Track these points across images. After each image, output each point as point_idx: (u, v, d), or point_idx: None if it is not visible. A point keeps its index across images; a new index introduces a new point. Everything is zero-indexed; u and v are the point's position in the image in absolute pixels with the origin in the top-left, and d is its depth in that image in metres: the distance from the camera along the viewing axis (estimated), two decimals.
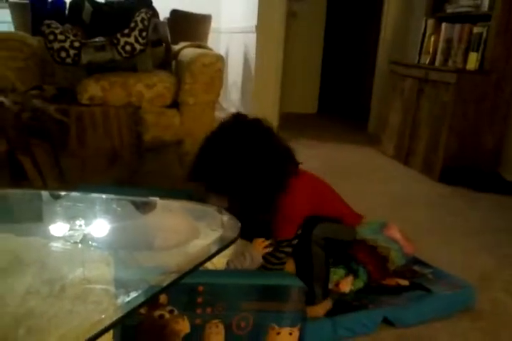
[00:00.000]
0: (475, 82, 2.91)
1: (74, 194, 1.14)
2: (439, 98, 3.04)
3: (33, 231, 0.96)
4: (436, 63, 3.24)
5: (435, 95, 3.08)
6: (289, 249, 1.46)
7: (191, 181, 1.49)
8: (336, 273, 1.59)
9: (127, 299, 0.68)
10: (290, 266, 1.49)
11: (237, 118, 1.45)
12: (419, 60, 3.45)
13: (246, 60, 4.50)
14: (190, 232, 1.01)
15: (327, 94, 5.56)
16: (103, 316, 0.65)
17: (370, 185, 2.89)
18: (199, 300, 1.12)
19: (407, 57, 3.82)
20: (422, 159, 3.21)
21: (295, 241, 1.45)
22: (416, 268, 1.76)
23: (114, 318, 0.65)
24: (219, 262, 1.38)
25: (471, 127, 2.96)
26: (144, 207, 1.13)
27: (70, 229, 0.95)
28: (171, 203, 1.18)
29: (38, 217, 1.07)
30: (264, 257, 1.46)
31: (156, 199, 1.13)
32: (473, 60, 2.94)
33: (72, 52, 2.08)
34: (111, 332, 0.74)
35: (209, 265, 1.35)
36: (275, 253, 1.45)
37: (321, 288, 1.46)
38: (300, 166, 1.53)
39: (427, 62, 3.33)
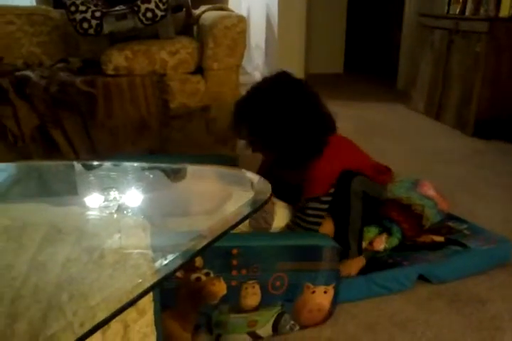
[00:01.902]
0: (509, 30, 2.79)
1: (106, 164, 1.16)
2: (470, 49, 2.93)
3: (69, 203, 0.98)
4: (467, 12, 3.11)
5: (466, 46, 2.97)
6: (321, 205, 1.43)
7: (234, 125, 1.50)
8: (370, 232, 1.58)
9: (164, 262, 0.69)
10: (328, 227, 1.49)
11: (285, 74, 1.48)
12: (448, 10, 3.31)
13: (268, 22, 4.40)
14: (221, 196, 1.02)
15: (353, 52, 5.42)
16: (142, 279, 0.66)
17: (402, 143, 2.85)
18: (234, 262, 1.14)
19: (436, 7, 3.67)
20: (454, 113, 3.13)
21: (327, 198, 1.43)
22: (451, 224, 1.75)
23: (153, 281, 0.66)
24: (243, 224, 1.39)
25: (505, 78, 2.86)
26: (175, 174, 1.15)
27: (105, 200, 0.97)
28: (201, 168, 1.19)
29: (72, 188, 1.10)
30: (296, 218, 1.46)
31: (187, 165, 1.14)
32: (506, 7, 2.81)
33: (94, 22, 2.07)
34: (151, 294, 0.76)
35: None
36: (306, 212, 1.43)
37: (356, 242, 1.46)
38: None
39: (457, 11, 3.19)
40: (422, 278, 1.47)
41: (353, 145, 1.60)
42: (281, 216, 1.47)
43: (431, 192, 1.76)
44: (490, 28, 2.77)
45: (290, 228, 1.46)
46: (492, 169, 2.44)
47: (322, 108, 1.48)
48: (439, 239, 1.65)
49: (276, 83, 1.47)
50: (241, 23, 2.16)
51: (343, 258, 1.36)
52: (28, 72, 2.06)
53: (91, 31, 2.08)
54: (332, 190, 1.44)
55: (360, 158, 1.58)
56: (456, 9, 3.20)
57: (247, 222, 1.41)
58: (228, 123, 1.56)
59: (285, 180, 1.54)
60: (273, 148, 1.48)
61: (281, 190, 1.51)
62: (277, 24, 4.14)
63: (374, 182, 1.54)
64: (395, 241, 1.59)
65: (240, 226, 1.34)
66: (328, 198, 1.44)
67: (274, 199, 1.50)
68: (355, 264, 1.47)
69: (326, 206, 1.44)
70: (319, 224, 1.44)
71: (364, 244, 1.54)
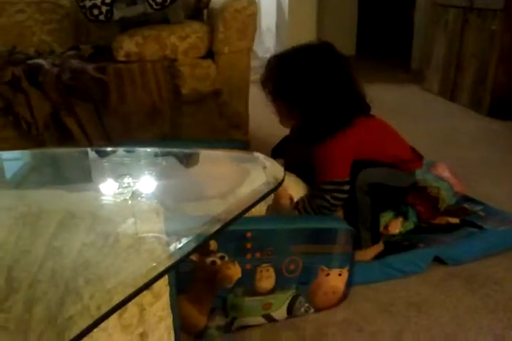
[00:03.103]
0: None
1: (119, 150, 1.17)
2: (485, 27, 2.87)
3: (84, 189, 0.99)
4: None
5: (481, 24, 2.91)
6: (338, 194, 1.39)
7: (262, 80, 1.47)
8: (385, 216, 1.57)
9: (179, 246, 0.70)
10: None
11: (331, 45, 1.45)
12: None
13: (279, 4, 4.35)
14: (235, 180, 1.02)
15: (365, 33, 5.34)
16: (157, 263, 0.67)
17: (416, 124, 2.81)
18: (248, 245, 1.15)
19: None
20: (469, 93, 3.08)
21: (346, 187, 1.39)
22: (466, 205, 1.74)
23: (168, 264, 0.67)
24: (260, 210, 1.40)
25: None
26: (188, 159, 1.15)
27: (119, 187, 0.97)
28: (214, 153, 1.19)
29: (87, 175, 1.11)
30: (309, 201, 1.43)
31: (199, 150, 1.14)
32: None
33: (104, 8, 2.06)
34: (166, 278, 0.77)
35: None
36: (324, 197, 1.40)
37: (369, 233, 1.44)
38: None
39: None
40: (438, 260, 1.46)
41: (384, 130, 1.54)
42: (295, 191, 1.45)
43: (446, 173, 1.74)
44: (506, 5, 2.71)
45: (298, 208, 1.43)
46: (508, 150, 2.40)
47: (356, 86, 1.44)
48: (455, 220, 1.64)
49: (316, 49, 1.44)
50: (251, 6, 2.13)
51: (356, 248, 1.36)
52: (40, 60, 2.07)
53: (101, 17, 2.08)
54: (348, 179, 1.39)
55: (386, 144, 1.51)
56: None
57: (264, 208, 1.41)
58: (241, 107, 1.54)
59: (301, 160, 1.51)
60: (295, 111, 1.43)
61: (297, 171, 1.51)
62: (288, 6, 4.09)
63: (393, 170, 1.48)
64: (410, 225, 1.59)
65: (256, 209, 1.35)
66: (347, 187, 1.39)
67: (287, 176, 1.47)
68: (369, 252, 1.45)
69: (344, 192, 1.39)
70: (332, 211, 1.42)
71: (380, 229, 1.53)
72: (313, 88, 1.37)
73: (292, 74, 1.40)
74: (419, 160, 1.58)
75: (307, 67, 1.39)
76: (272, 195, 1.42)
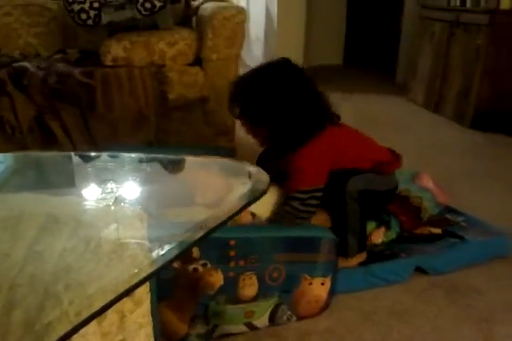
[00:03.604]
0: (509, 22, 2.77)
1: (104, 155, 1.16)
2: (471, 41, 2.91)
3: (66, 194, 0.98)
4: (468, 4, 3.08)
5: (467, 39, 2.96)
6: (309, 201, 1.39)
7: (228, 103, 1.50)
8: (368, 225, 1.58)
9: (161, 252, 0.69)
10: (321, 217, 1.48)
11: (287, 60, 1.49)
12: (449, 3, 3.29)
13: (268, 13, 4.37)
14: (219, 187, 1.02)
15: (353, 44, 5.39)
16: (139, 269, 0.66)
17: (400, 135, 2.84)
18: (231, 253, 1.14)
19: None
20: (453, 106, 3.12)
21: (317, 193, 1.40)
22: (449, 216, 1.75)
23: (150, 271, 0.66)
24: (267, 210, 1.40)
25: (505, 71, 2.84)
26: (173, 166, 1.14)
27: (102, 192, 0.97)
28: (199, 160, 1.19)
29: (70, 179, 1.09)
30: (284, 209, 1.42)
31: (184, 156, 1.14)
32: (507, 0, 2.79)
33: (92, 13, 2.06)
34: (147, 285, 0.76)
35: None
36: (291, 204, 1.39)
37: (356, 241, 1.44)
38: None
39: (458, 3, 3.17)
40: (420, 270, 1.47)
41: (355, 136, 1.56)
42: (269, 201, 1.46)
43: (429, 184, 1.76)
44: (490, 21, 2.76)
45: (276, 216, 1.42)
46: (490, 161, 2.44)
47: (320, 97, 1.47)
48: (437, 231, 1.66)
49: (275, 67, 1.47)
50: (240, 14, 2.15)
51: (342, 255, 1.36)
52: (25, 63, 2.05)
53: (89, 22, 2.07)
54: (321, 186, 1.40)
55: (361, 149, 1.53)
56: (457, 1, 3.18)
57: (267, 208, 1.41)
58: (227, 114, 1.57)
59: (282, 169, 1.53)
60: (262, 129, 1.47)
61: (279, 180, 1.51)
62: (277, 16, 4.12)
63: (376, 175, 1.49)
64: (393, 234, 1.59)
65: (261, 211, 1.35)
66: (319, 194, 1.40)
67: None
68: (352, 260, 1.45)
69: (315, 199, 1.40)
70: (307, 219, 1.41)
71: None
72: (276, 105, 1.40)
73: (254, 94, 1.43)
74: (398, 160, 1.60)
75: (267, 85, 1.42)
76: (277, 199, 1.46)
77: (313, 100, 1.45)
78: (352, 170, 1.44)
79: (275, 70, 1.46)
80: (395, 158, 1.59)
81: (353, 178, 1.42)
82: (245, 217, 1.39)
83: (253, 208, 1.41)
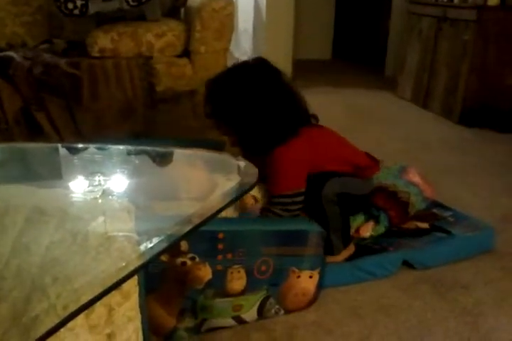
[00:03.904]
0: (497, 18, 2.80)
1: (91, 147, 1.14)
2: (458, 37, 2.93)
3: (53, 186, 0.97)
4: (455, 0, 3.10)
5: (454, 34, 2.97)
6: (290, 207, 1.38)
7: (204, 104, 1.50)
8: (356, 220, 1.58)
9: (149, 246, 0.68)
10: None
11: (263, 60, 1.47)
12: None
13: (257, 6, 4.35)
14: (208, 180, 1.01)
15: (341, 38, 5.40)
16: (126, 262, 0.66)
17: (388, 130, 2.85)
18: (219, 246, 1.14)
19: None
20: (440, 101, 3.14)
21: (298, 199, 1.38)
22: (436, 211, 1.76)
23: (138, 264, 0.66)
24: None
25: (492, 66, 2.87)
26: (161, 158, 1.13)
27: (90, 185, 0.95)
28: (188, 153, 1.18)
29: (57, 171, 1.08)
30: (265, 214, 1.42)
31: (173, 149, 1.13)
32: None
33: (79, 2, 2.02)
34: (135, 278, 0.76)
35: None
36: (272, 210, 1.39)
37: (340, 239, 1.44)
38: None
39: None
40: (407, 264, 1.48)
41: (333, 138, 1.53)
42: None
43: (416, 179, 1.76)
44: (478, 16, 2.77)
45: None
46: (478, 157, 2.46)
47: (295, 99, 1.45)
48: (424, 225, 1.67)
49: (249, 68, 1.46)
50: (229, 6, 2.13)
51: (328, 253, 1.36)
52: (11, 53, 2.02)
53: (76, 12, 2.04)
54: (302, 190, 1.39)
55: (339, 152, 1.51)
56: None
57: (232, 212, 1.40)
58: None
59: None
60: (233, 131, 1.46)
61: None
62: (265, 9, 4.09)
63: (354, 179, 1.48)
64: (381, 229, 1.60)
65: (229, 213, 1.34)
66: (300, 198, 1.39)
67: None
68: (340, 255, 1.45)
69: (296, 204, 1.39)
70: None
71: (350, 232, 1.53)
72: (244, 106, 1.39)
73: (222, 94, 1.43)
74: (376, 164, 1.59)
75: (237, 86, 1.41)
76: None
77: (286, 102, 1.42)
78: (329, 173, 1.42)
79: (248, 71, 1.44)
80: (374, 162, 1.59)
81: (330, 181, 1.39)
82: (248, 200, 1.39)
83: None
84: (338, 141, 1.54)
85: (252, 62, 1.48)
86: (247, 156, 1.57)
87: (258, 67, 1.45)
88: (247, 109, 1.39)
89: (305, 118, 1.49)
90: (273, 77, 1.43)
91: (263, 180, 1.44)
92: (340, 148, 1.53)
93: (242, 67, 1.48)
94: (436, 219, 1.70)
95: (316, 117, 1.53)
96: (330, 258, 1.38)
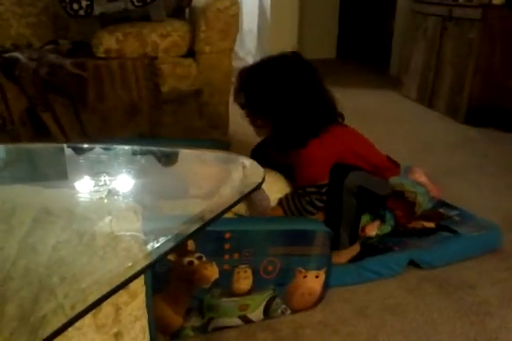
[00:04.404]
0: (502, 17, 2.78)
1: (96, 147, 1.15)
2: (463, 36, 2.92)
3: (59, 187, 0.97)
4: None
5: (460, 33, 2.96)
6: (315, 198, 1.41)
7: (234, 92, 1.49)
8: (362, 219, 1.58)
9: (156, 245, 0.68)
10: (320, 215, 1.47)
11: (300, 56, 1.47)
12: None
13: (261, 6, 4.35)
14: (213, 180, 1.01)
15: (346, 37, 5.39)
16: (133, 262, 0.66)
17: (394, 129, 2.84)
18: (226, 246, 1.14)
19: None
20: (446, 101, 3.13)
21: (324, 190, 1.40)
22: (442, 210, 1.75)
23: (144, 264, 0.66)
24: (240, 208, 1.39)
25: (497, 65, 2.85)
26: (167, 158, 1.14)
27: (95, 185, 0.96)
28: (194, 152, 1.18)
29: (63, 172, 1.08)
30: (290, 202, 1.44)
31: (178, 149, 1.13)
32: None
33: (84, 3, 2.03)
34: (142, 277, 0.76)
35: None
36: (300, 200, 1.42)
37: (348, 235, 1.45)
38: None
39: None
40: (413, 264, 1.48)
41: (357, 137, 1.55)
42: (277, 187, 1.46)
43: (422, 178, 1.76)
44: (483, 15, 2.76)
45: (282, 205, 1.44)
46: (483, 156, 2.45)
47: (327, 95, 1.46)
48: (430, 225, 1.66)
49: (284, 59, 1.45)
50: (234, 6, 2.13)
51: (333, 248, 1.36)
52: (16, 54, 2.02)
53: (81, 12, 2.05)
54: (326, 182, 1.41)
55: (362, 152, 1.52)
56: None
57: (242, 208, 1.40)
58: (221, 107, 1.55)
59: (280, 163, 1.52)
60: (267, 122, 1.45)
61: (279, 169, 1.51)
62: (270, 9, 4.10)
63: (374, 177, 1.49)
64: (387, 228, 1.60)
65: (237, 209, 1.35)
66: (324, 189, 1.41)
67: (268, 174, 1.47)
68: (346, 254, 1.46)
69: (321, 195, 1.41)
70: (313, 213, 1.43)
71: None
72: (283, 98, 1.39)
73: (261, 85, 1.41)
74: (396, 167, 1.60)
75: (276, 77, 1.41)
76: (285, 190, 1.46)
77: (320, 98, 1.43)
78: (350, 166, 1.44)
79: (284, 63, 1.44)
80: (393, 165, 1.60)
81: (354, 172, 1.41)
82: (265, 200, 1.40)
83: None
84: (362, 141, 1.56)
85: (286, 55, 1.47)
86: (261, 150, 1.59)
87: (295, 61, 1.45)
88: (285, 99, 1.39)
89: (334, 116, 1.50)
90: (309, 72, 1.44)
91: (286, 173, 1.48)
92: (362, 148, 1.53)
93: (279, 58, 1.46)
94: (443, 219, 1.70)
95: (342, 116, 1.54)
96: (335, 259, 1.38)
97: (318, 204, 1.42)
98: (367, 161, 1.50)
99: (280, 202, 1.44)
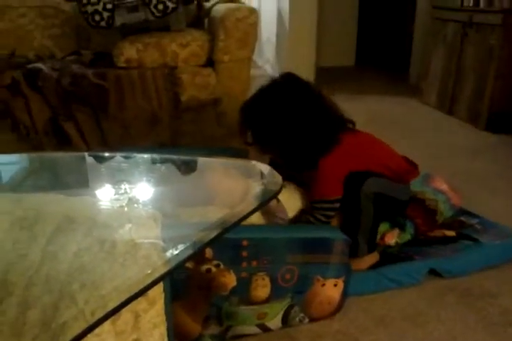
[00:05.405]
0: None
1: (117, 156, 1.16)
2: (484, 42, 2.89)
3: (80, 194, 0.98)
4: (481, 4, 3.05)
5: (480, 39, 2.93)
6: (329, 212, 1.43)
7: (239, 130, 1.50)
8: (381, 227, 1.57)
9: (175, 252, 0.69)
10: (334, 221, 1.48)
11: (292, 76, 1.47)
12: (462, 3, 3.26)
13: (279, 15, 4.37)
14: (232, 188, 1.02)
15: (364, 44, 5.38)
16: (153, 269, 0.67)
17: (413, 137, 2.82)
18: (244, 254, 1.14)
19: (450, 0, 3.62)
20: (466, 107, 3.09)
21: (337, 205, 1.42)
22: (463, 218, 1.74)
23: (163, 271, 0.67)
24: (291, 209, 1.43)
25: None
26: (186, 166, 1.15)
27: (116, 194, 0.97)
28: (212, 161, 1.19)
29: (84, 180, 1.10)
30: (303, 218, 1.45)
31: (197, 157, 1.14)
32: None
33: (105, 14, 2.07)
34: (161, 285, 0.76)
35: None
36: (314, 215, 1.43)
37: (366, 242, 1.44)
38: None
39: (471, 4, 3.14)
40: (433, 273, 1.46)
41: (371, 143, 1.54)
42: (293, 204, 1.47)
43: (443, 186, 1.74)
44: (504, 20, 2.73)
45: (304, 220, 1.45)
46: (505, 163, 2.41)
47: (328, 108, 1.46)
48: (451, 233, 1.64)
49: (278, 87, 1.45)
50: (252, 15, 2.15)
51: (352, 255, 1.36)
52: (39, 65, 2.07)
53: (103, 23, 2.09)
54: (340, 197, 1.42)
55: (379, 157, 1.51)
56: (470, 1, 3.15)
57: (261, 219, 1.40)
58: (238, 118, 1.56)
59: (295, 177, 1.53)
60: (278, 153, 1.49)
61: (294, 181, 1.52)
62: (288, 17, 4.11)
63: (394, 183, 1.48)
64: (407, 236, 1.58)
65: (254, 219, 1.35)
66: (338, 204, 1.42)
67: (286, 185, 1.48)
68: (365, 261, 1.46)
69: (334, 210, 1.43)
70: (328, 223, 1.44)
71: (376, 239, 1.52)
72: (287, 128, 1.39)
73: (262, 118, 1.42)
74: (415, 169, 1.58)
75: (274, 106, 1.41)
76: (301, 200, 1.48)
77: (321, 115, 1.43)
78: (369, 173, 1.43)
79: (279, 91, 1.44)
80: (412, 167, 1.57)
81: (371, 179, 1.41)
82: (283, 213, 1.41)
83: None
84: (376, 146, 1.54)
85: (280, 80, 1.47)
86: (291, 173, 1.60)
87: (287, 84, 1.45)
88: (287, 128, 1.40)
89: (341, 125, 1.49)
90: (304, 91, 1.44)
91: (305, 188, 1.50)
92: (378, 153, 1.52)
93: (272, 87, 1.46)
94: (464, 227, 1.68)
95: (352, 122, 1.53)
96: (354, 266, 1.37)
97: (331, 214, 1.43)
98: (384, 166, 1.48)
99: (294, 220, 1.45)
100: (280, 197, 1.41)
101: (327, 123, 1.43)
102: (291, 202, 1.47)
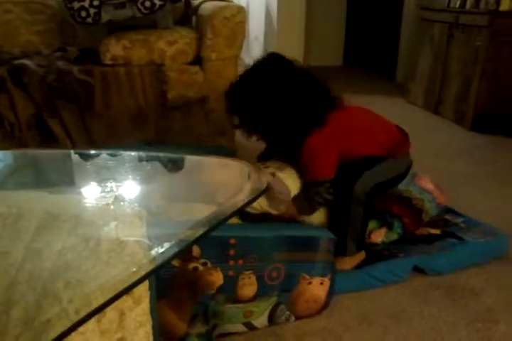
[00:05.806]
0: (509, 23, 2.77)
1: (103, 153, 1.15)
2: (470, 43, 2.92)
3: (65, 192, 0.98)
4: (467, 6, 3.09)
5: (466, 40, 2.96)
6: (325, 194, 1.39)
7: (228, 113, 1.48)
8: (370, 224, 1.57)
9: (161, 250, 0.69)
10: (321, 216, 1.48)
11: (275, 55, 1.44)
12: (448, 4, 3.29)
13: (268, 13, 4.37)
14: (219, 186, 1.02)
15: (352, 44, 5.40)
16: (138, 267, 0.66)
17: None
18: (231, 252, 1.14)
19: (436, 1, 3.65)
20: (452, 108, 3.12)
21: (328, 185, 1.40)
22: (448, 217, 1.75)
23: (149, 269, 0.66)
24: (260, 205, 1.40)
25: (504, 72, 2.84)
26: (173, 164, 1.14)
27: (102, 192, 0.96)
28: (199, 159, 1.19)
29: (69, 178, 1.09)
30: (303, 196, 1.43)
31: (184, 155, 1.13)
32: (506, 1, 2.79)
33: (92, 11, 2.05)
34: (146, 283, 0.76)
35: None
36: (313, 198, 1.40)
37: (355, 243, 1.44)
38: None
39: (457, 5, 3.17)
40: (418, 270, 1.47)
41: (361, 118, 1.52)
42: (294, 185, 1.46)
43: (429, 185, 1.75)
44: (490, 22, 2.76)
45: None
46: (490, 163, 2.44)
47: (313, 87, 1.41)
48: (436, 231, 1.66)
49: (262, 68, 1.42)
50: (240, 14, 2.14)
51: (339, 254, 1.36)
52: (25, 61, 2.04)
53: (89, 20, 2.07)
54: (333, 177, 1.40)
55: (370, 133, 1.49)
56: (457, 3, 3.18)
57: (263, 203, 1.39)
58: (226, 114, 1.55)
59: (289, 158, 1.52)
60: (263, 134, 1.47)
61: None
62: (276, 16, 4.11)
63: (387, 162, 1.46)
64: (394, 236, 1.59)
65: (256, 206, 1.34)
66: (329, 184, 1.40)
67: (283, 167, 1.47)
68: (351, 260, 1.46)
69: (329, 195, 1.40)
70: (323, 204, 1.43)
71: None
72: (272, 105, 1.36)
73: (247, 101, 1.40)
74: (406, 140, 1.57)
75: (258, 88, 1.38)
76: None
77: (305, 92, 1.39)
78: (362, 164, 1.42)
79: (261, 71, 1.42)
80: (404, 136, 1.57)
81: (363, 177, 1.39)
82: (265, 176, 1.39)
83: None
84: (367, 121, 1.53)
85: (263, 60, 1.44)
86: (268, 155, 1.59)
87: (270, 64, 1.42)
88: (269, 107, 1.37)
89: (329, 103, 1.44)
90: (286, 70, 1.40)
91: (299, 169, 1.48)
92: (369, 129, 1.50)
93: (255, 67, 1.44)
94: (449, 225, 1.69)
95: (340, 98, 1.49)
96: (339, 266, 1.38)
97: (327, 196, 1.40)
98: (377, 143, 1.48)
99: (293, 201, 1.42)
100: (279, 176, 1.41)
101: (311, 101, 1.39)
102: (289, 181, 1.45)
